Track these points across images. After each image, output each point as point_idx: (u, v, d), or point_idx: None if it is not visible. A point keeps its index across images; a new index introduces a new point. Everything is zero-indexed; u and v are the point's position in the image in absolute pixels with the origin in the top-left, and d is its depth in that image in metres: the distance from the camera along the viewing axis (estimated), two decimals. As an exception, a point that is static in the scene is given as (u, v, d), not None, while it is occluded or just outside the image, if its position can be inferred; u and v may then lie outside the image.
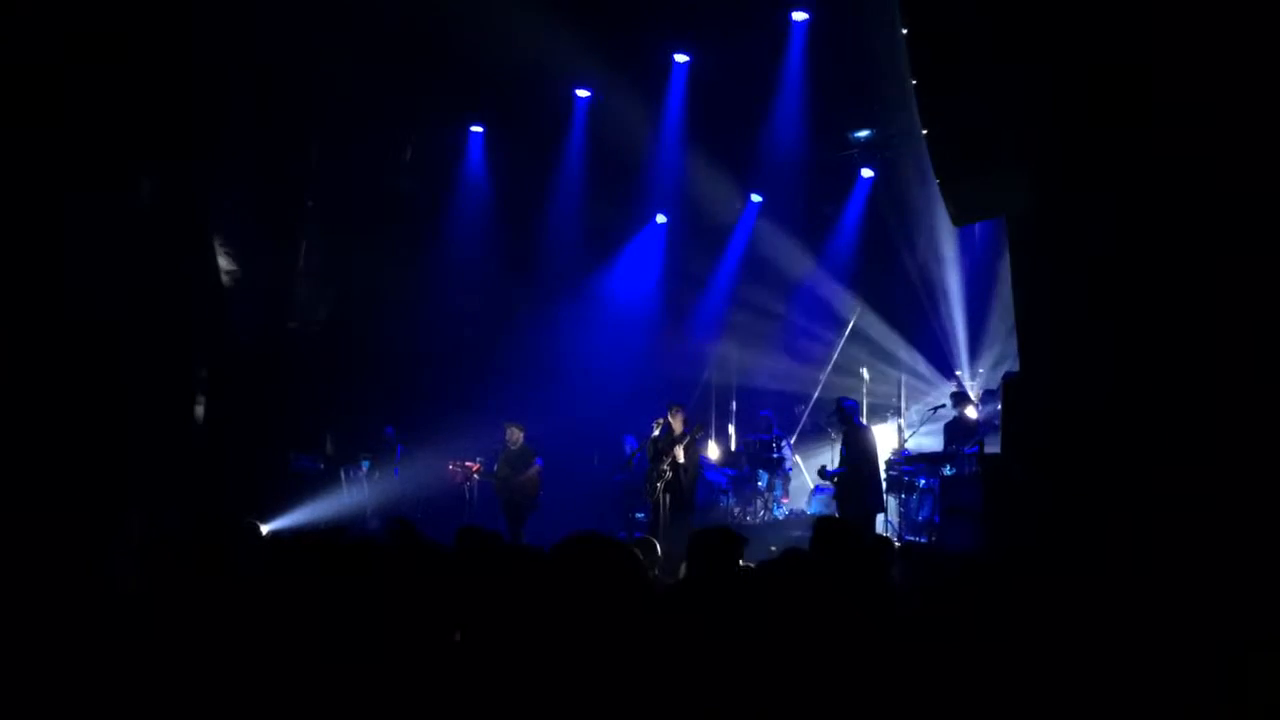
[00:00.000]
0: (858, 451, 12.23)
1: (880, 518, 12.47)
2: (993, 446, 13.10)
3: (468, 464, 14.08)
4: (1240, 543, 5.10)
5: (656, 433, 12.44)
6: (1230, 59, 5.35)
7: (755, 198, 16.96)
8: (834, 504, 13.59)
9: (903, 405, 15.76)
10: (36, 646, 3.99)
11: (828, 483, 13.25)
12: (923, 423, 14.31)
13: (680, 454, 11.92)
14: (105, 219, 11.49)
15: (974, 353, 15.52)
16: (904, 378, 16.02)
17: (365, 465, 14.75)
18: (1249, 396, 5.28)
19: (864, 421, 12.95)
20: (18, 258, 10.58)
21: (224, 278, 13.72)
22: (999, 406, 13.48)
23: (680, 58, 15.19)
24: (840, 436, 12.74)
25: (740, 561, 4.95)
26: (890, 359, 16.07)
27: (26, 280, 10.68)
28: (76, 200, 11.12)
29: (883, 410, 15.71)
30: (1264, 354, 5.25)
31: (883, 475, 12.79)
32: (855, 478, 12.17)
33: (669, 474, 11.90)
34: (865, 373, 15.26)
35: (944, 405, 13.90)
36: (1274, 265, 5.26)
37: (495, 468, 13.60)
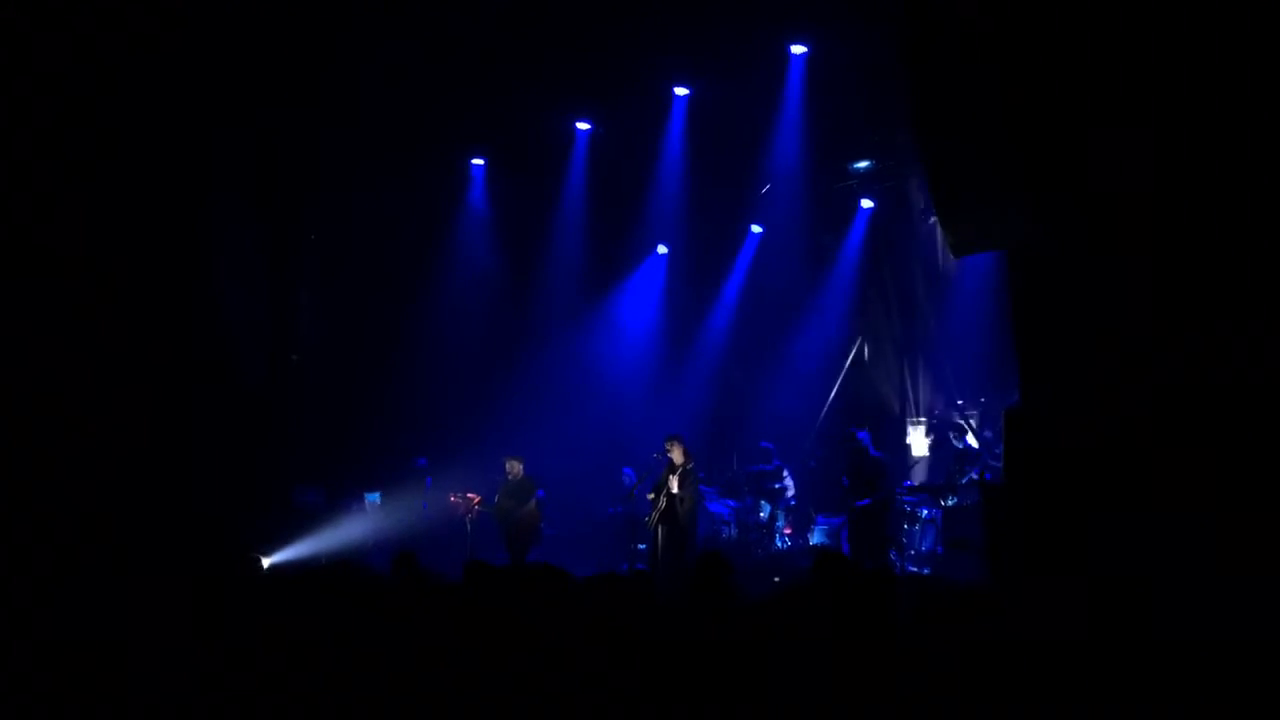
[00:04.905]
0: (876, 482, 12.20)
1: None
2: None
3: (469, 496, 14.06)
4: (1245, 574, 5.10)
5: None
6: (1231, 93, 5.40)
7: (755, 228, 17.02)
8: (839, 535, 13.59)
9: None
10: (33, 681, 3.98)
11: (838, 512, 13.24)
12: None
13: (675, 485, 11.86)
14: (109, 250, 11.53)
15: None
16: None
17: (368, 499, 14.72)
18: (1253, 426, 5.29)
19: (878, 451, 12.95)
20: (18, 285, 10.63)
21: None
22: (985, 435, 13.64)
23: (680, 91, 15.28)
24: (851, 467, 12.70)
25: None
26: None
27: (27, 309, 10.72)
28: (81, 231, 11.17)
29: None
30: (1267, 383, 5.26)
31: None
32: (881, 510, 12.15)
33: (664, 506, 11.86)
34: None
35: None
36: (1274, 294, 5.29)
37: (496, 500, 13.57)
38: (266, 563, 11.68)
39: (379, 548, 13.23)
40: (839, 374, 16.63)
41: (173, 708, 3.96)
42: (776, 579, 12.54)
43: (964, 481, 13.01)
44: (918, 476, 14.69)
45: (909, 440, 15.89)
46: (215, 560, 5.19)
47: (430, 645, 4.11)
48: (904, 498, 13.26)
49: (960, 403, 15.35)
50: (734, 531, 14.49)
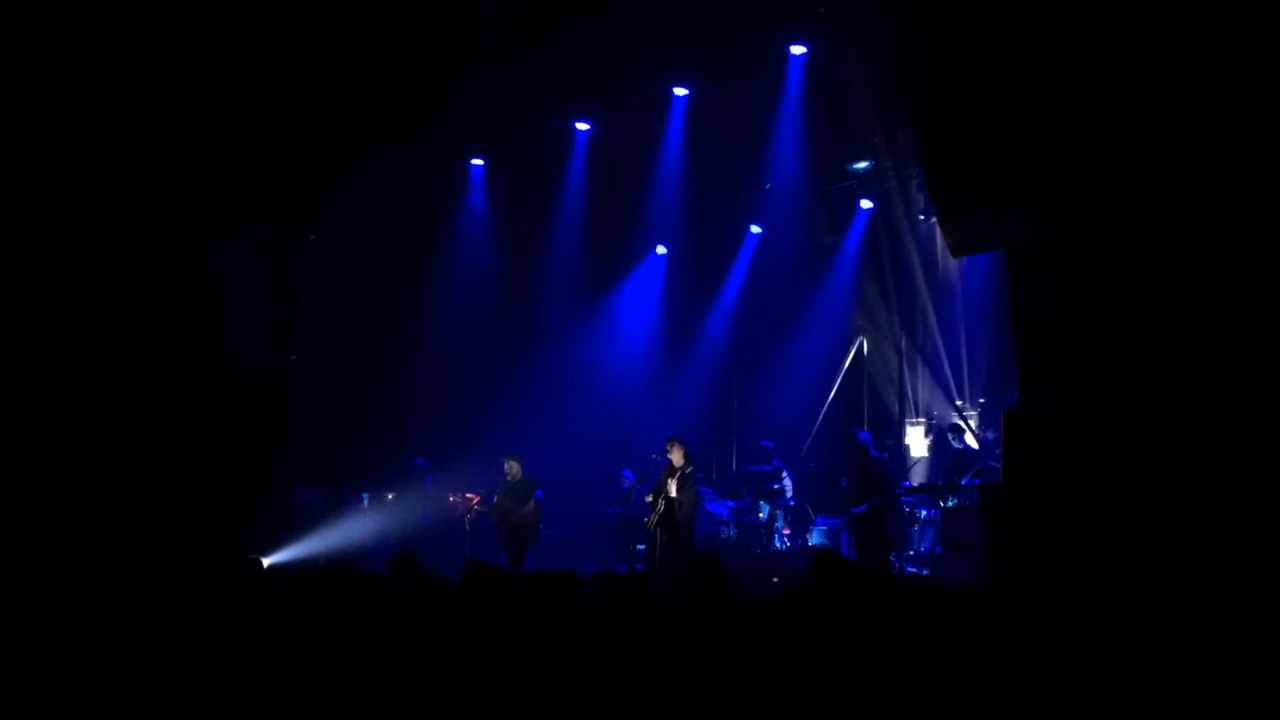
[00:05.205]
0: (885, 486, 12.19)
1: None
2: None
3: (468, 496, 14.03)
4: (1245, 573, 5.10)
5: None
6: (1224, 93, 5.40)
7: (755, 229, 17.03)
8: (838, 536, 13.59)
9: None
10: (32, 684, 3.97)
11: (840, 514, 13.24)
12: None
13: (672, 488, 11.78)
14: (108, 248, 11.53)
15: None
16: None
17: (366, 498, 14.71)
18: (1252, 428, 5.28)
19: (879, 452, 12.94)
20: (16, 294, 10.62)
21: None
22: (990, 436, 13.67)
23: (680, 91, 15.27)
24: (851, 468, 12.70)
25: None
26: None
27: (26, 308, 10.72)
28: (80, 228, 11.17)
29: None
30: (1268, 385, 5.26)
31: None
32: (884, 513, 12.14)
33: (662, 509, 11.79)
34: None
35: None
36: (1274, 293, 5.29)
37: (495, 500, 13.54)
38: (265, 563, 11.66)
39: (377, 548, 13.20)
40: (838, 374, 16.63)
41: (171, 708, 3.95)
42: (775, 579, 12.53)
43: (963, 482, 13.02)
44: (917, 477, 14.70)
45: (908, 441, 15.90)
46: (213, 561, 5.18)
47: (428, 646, 4.10)
48: (903, 498, 13.26)
49: (960, 403, 15.37)
50: (733, 532, 14.47)
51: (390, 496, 14.71)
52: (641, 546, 13.18)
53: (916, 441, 15.90)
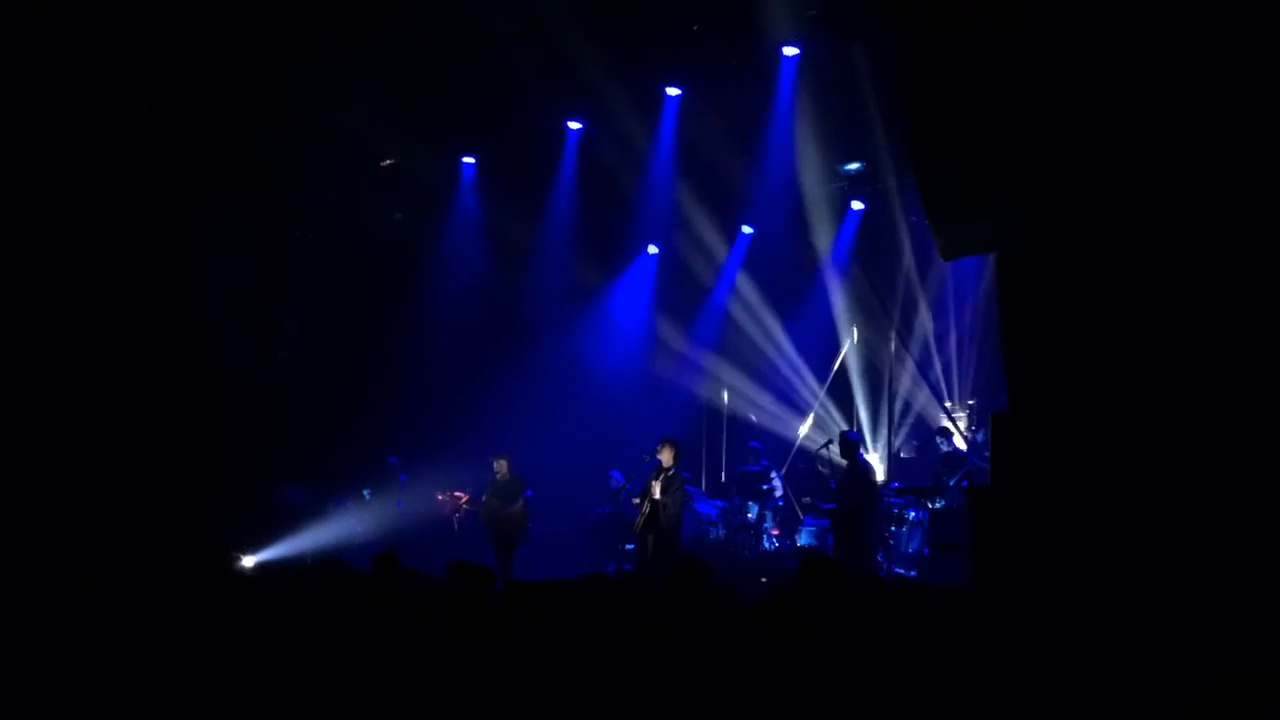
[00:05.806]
0: (862, 486, 12.18)
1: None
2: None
3: (456, 495, 14.00)
4: (1231, 576, 5.10)
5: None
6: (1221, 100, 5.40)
7: (746, 229, 17.02)
8: (826, 537, 13.60)
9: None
10: (24, 684, 3.96)
11: (819, 515, 13.25)
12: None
13: (656, 490, 11.71)
14: (98, 245, 11.50)
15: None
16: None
17: (348, 497, 14.66)
18: (1240, 431, 5.29)
19: (866, 455, 12.96)
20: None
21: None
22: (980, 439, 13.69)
23: (672, 91, 15.25)
24: (841, 467, 12.70)
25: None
26: None
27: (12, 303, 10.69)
28: (69, 225, 11.14)
29: None
30: (1256, 389, 5.27)
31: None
32: (859, 512, 12.13)
33: (648, 511, 11.73)
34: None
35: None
36: (1269, 302, 5.29)
37: (484, 499, 13.51)
38: (251, 561, 11.63)
39: (361, 547, 13.16)
40: (827, 376, 16.65)
41: (154, 707, 3.93)
42: (764, 579, 12.53)
43: (951, 484, 13.03)
44: (905, 478, 14.71)
45: (897, 442, 15.93)
46: (196, 559, 5.17)
47: (412, 643, 4.09)
48: (891, 499, 13.26)
49: (948, 405, 15.39)
50: (721, 532, 14.47)
51: (367, 495, 14.64)
52: (631, 546, 13.17)
53: (905, 443, 15.93)
